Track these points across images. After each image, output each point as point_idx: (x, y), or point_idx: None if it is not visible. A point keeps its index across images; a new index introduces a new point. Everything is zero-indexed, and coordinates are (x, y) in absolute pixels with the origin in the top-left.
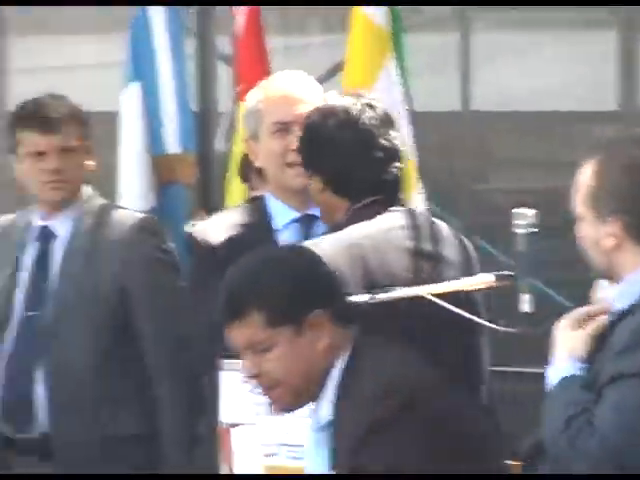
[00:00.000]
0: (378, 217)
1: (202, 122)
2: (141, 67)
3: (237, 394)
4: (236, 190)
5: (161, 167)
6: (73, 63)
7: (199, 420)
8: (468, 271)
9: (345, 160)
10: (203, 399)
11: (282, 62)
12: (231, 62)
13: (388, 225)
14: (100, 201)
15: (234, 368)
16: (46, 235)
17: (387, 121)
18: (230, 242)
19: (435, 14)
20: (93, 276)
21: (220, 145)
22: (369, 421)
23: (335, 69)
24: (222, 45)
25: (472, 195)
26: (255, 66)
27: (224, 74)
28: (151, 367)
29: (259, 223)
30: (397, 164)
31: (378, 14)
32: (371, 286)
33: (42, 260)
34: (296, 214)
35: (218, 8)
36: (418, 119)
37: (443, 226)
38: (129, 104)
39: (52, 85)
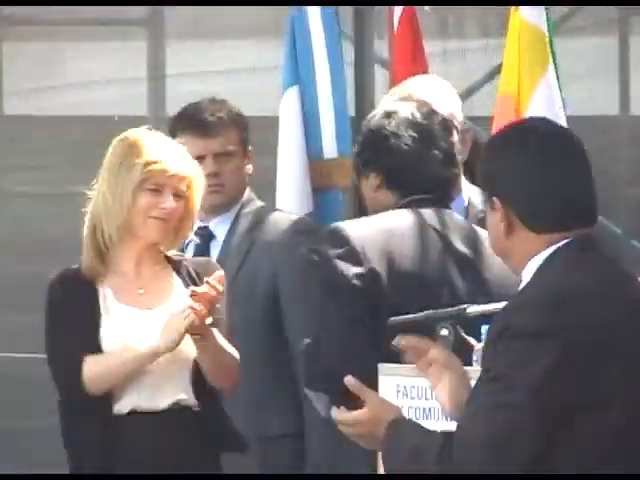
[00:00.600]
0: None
1: (359, 127)
2: (299, 71)
3: (394, 399)
4: None
5: (318, 172)
6: (231, 67)
7: None
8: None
9: (401, 156)
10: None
11: (440, 66)
12: (388, 66)
13: (419, 220)
14: (259, 204)
15: (392, 373)
16: (206, 235)
17: (446, 127)
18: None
19: (595, 18)
20: (249, 277)
21: None
22: None
23: (492, 73)
24: (379, 49)
25: (630, 200)
26: (412, 70)
27: (381, 78)
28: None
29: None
30: (452, 168)
31: (537, 18)
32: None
33: None
34: None
35: (375, 11)
36: (576, 123)
37: (481, 234)
38: (287, 108)
39: (213, 89)
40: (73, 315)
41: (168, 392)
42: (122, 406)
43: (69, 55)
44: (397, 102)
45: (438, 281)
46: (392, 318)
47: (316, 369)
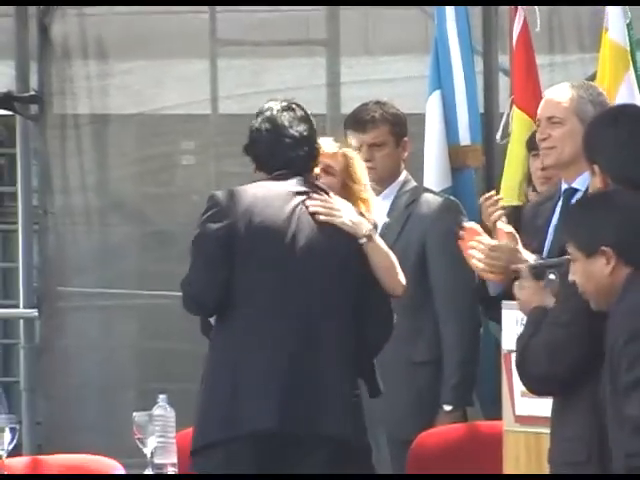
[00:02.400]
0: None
1: (486, 120)
2: (440, 79)
3: (514, 327)
4: (511, 174)
5: (455, 155)
6: (391, 77)
7: (475, 352)
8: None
9: (261, 145)
10: (478, 339)
11: (547, 75)
12: (509, 74)
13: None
14: (413, 183)
15: (512, 308)
16: None
17: (303, 118)
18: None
19: None
20: (404, 241)
21: (499, 138)
22: None
23: (588, 80)
24: (502, 61)
25: None
26: (526, 78)
27: (503, 84)
28: (440, 310)
29: None
30: (300, 149)
31: (618, 34)
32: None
33: None
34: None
35: (500, 30)
36: None
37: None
38: (432, 107)
39: (376, 93)
40: None
41: None
42: None
43: (268, 68)
44: (269, 103)
45: (284, 229)
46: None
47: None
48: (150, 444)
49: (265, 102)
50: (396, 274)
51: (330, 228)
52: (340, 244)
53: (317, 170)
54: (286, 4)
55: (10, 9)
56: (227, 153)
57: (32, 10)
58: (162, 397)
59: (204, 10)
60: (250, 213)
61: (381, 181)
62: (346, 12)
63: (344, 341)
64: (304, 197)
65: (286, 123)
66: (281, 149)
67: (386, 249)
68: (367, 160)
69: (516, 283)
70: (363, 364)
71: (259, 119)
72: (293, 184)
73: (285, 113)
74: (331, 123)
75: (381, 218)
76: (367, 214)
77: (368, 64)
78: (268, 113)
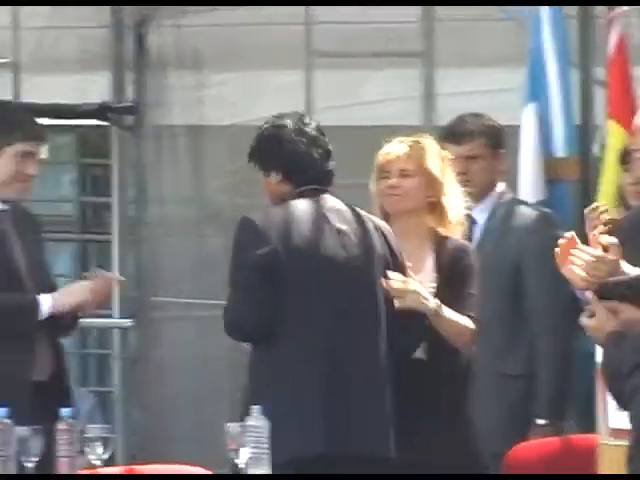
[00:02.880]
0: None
1: (582, 133)
2: (536, 90)
3: None
4: (607, 186)
5: (550, 167)
6: (486, 88)
7: (568, 372)
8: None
9: (295, 157)
10: (572, 353)
11: None
12: (605, 86)
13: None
14: (510, 195)
15: None
16: (469, 221)
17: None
18: None
19: None
20: (500, 253)
21: (596, 150)
22: None
23: None
24: (598, 73)
25: None
26: (622, 90)
27: (599, 96)
28: (535, 323)
29: None
30: (329, 163)
31: None
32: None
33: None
34: None
35: (597, 44)
36: None
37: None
38: (527, 119)
39: (470, 105)
40: None
41: None
42: None
43: (363, 80)
44: (280, 118)
45: (326, 255)
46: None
47: None
48: (243, 455)
49: (277, 114)
50: (466, 337)
51: (368, 255)
52: (377, 270)
53: None
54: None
55: (107, 20)
56: None
57: (128, 21)
58: (256, 408)
59: (299, 22)
60: (290, 237)
61: (477, 194)
62: (441, 24)
63: (381, 359)
64: (335, 216)
65: (315, 133)
66: (314, 161)
67: (454, 318)
68: (462, 173)
69: (584, 312)
70: None
71: (286, 128)
72: (330, 204)
73: (311, 124)
74: (426, 134)
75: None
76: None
77: (463, 76)
78: (291, 123)
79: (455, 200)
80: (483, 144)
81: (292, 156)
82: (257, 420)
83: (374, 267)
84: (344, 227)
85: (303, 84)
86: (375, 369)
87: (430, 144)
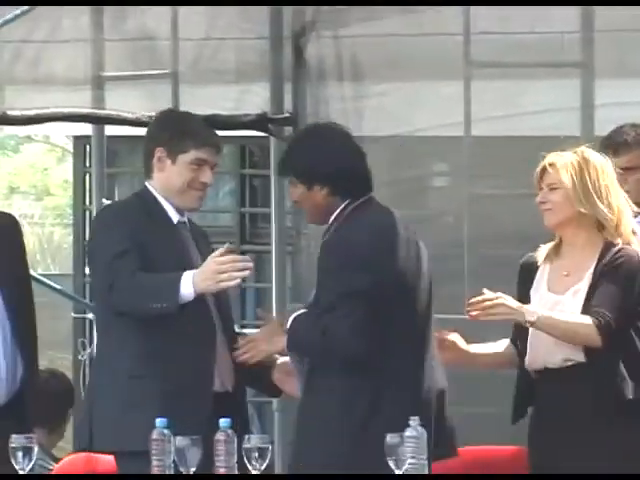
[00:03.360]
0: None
1: None
2: None
3: None
4: None
5: None
6: None
7: None
8: None
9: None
10: None
11: None
12: None
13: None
14: None
15: None
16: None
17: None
18: None
19: None
20: None
21: None
22: None
23: None
24: None
25: None
26: None
27: None
28: None
29: None
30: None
31: None
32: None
33: None
34: None
35: None
36: None
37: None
38: None
39: (634, 116)
40: None
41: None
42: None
43: (522, 90)
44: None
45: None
46: None
47: None
48: (402, 466)
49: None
50: (583, 336)
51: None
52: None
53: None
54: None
55: (265, 31)
56: (480, 175)
57: (287, 32)
58: (414, 419)
59: (458, 32)
60: (386, 259)
61: (636, 205)
62: (601, 34)
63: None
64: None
65: (354, 139)
66: (363, 168)
67: (560, 324)
68: (620, 185)
69: None
70: None
71: (327, 133)
72: (392, 213)
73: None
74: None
75: None
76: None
77: (623, 86)
78: (333, 127)
79: (624, 210)
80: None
81: (341, 167)
82: (415, 431)
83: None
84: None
85: (462, 95)
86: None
87: (583, 155)
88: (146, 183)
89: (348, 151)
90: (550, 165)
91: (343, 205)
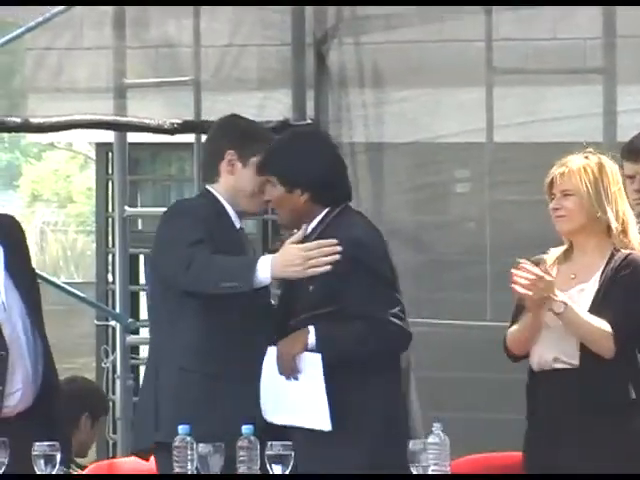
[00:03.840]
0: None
1: None
2: None
3: None
4: None
5: None
6: None
7: None
8: None
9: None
10: None
11: None
12: None
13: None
14: None
15: None
16: None
17: None
18: None
19: None
20: None
21: None
22: None
23: None
24: None
25: None
26: None
27: None
28: None
29: None
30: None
31: None
32: None
33: None
34: None
35: None
36: None
37: None
38: None
39: None
40: None
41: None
42: None
43: (544, 96)
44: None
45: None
46: None
47: None
48: (425, 472)
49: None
50: (601, 342)
51: None
52: None
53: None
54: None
55: (287, 38)
56: (502, 181)
57: (309, 39)
58: (437, 425)
59: (480, 39)
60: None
61: None
62: (623, 40)
63: None
64: None
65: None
66: (346, 178)
67: (583, 323)
68: (638, 191)
69: None
70: None
71: (313, 139)
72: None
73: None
74: (608, 152)
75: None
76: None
77: None
78: (319, 134)
79: (630, 216)
80: None
81: (326, 175)
82: (438, 437)
83: None
84: None
85: (484, 101)
86: None
87: (596, 161)
88: (209, 187)
89: (333, 160)
90: (564, 172)
91: (325, 212)
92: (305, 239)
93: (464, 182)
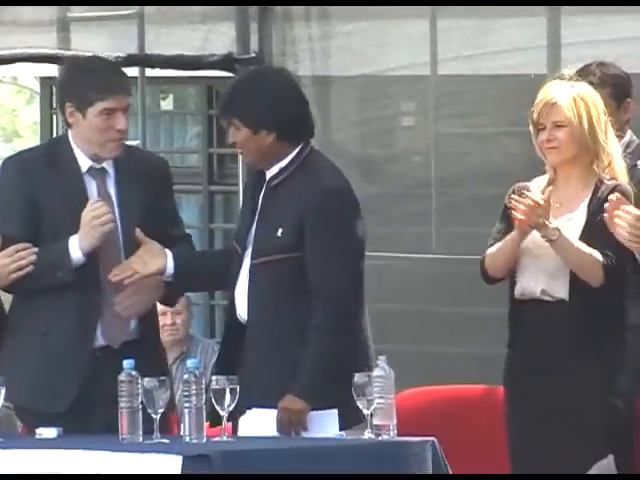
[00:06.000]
0: None
1: None
2: None
3: None
4: None
5: None
6: (619, 36)
7: None
8: None
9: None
10: None
11: None
12: None
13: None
14: (638, 142)
15: None
16: None
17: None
18: None
19: None
20: None
21: None
22: None
23: None
24: None
25: None
26: None
27: None
28: None
29: None
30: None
31: None
32: None
33: None
34: None
35: None
36: None
37: None
38: None
39: (603, 54)
40: None
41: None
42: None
43: (491, 28)
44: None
45: None
46: None
47: None
48: (369, 406)
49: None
50: (593, 271)
51: None
52: None
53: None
54: None
55: None
56: (448, 114)
57: None
58: (382, 358)
59: None
60: None
61: None
62: None
63: None
64: None
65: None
66: (309, 114)
67: (574, 250)
68: None
69: None
70: None
71: (274, 78)
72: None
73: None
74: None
75: None
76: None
77: (592, 24)
78: (280, 72)
79: (615, 147)
80: (607, 94)
81: (286, 106)
82: (383, 370)
83: None
84: None
85: (429, 34)
86: None
87: (583, 90)
88: (68, 131)
89: (296, 96)
90: (555, 102)
91: (297, 150)
92: (274, 178)
93: (410, 115)
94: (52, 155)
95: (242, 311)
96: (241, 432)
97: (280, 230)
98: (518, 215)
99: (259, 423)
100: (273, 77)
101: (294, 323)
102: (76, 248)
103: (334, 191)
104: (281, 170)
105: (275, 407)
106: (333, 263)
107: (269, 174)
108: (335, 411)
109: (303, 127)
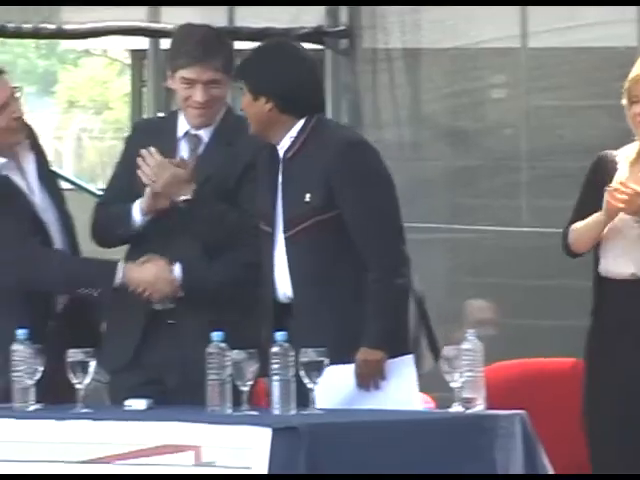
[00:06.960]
0: None
1: None
2: None
3: None
4: None
5: None
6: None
7: None
8: None
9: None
10: None
11: None
12: None
13: None
14: None
15: None
16: None
17: None
18: None
19: None
20: None
21: None
22: None
23: None
24: None
25: None
26: None
27: None
28: None
29: None
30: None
31: None
32: None
33: None
34: None
35: None
36: None
37: None
38: None
39: None
40: None
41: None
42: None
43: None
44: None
45: None
46: None
47: None
48: (458, 378)
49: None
50: None
51: None
52: None
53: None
54: None
55: None
56: (538, 87)
57: None
58: (471, 331)
59: None
60: None
61: None
62: None
63: None
64: None
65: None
66: (313, 89)
67: None
68: None
69: None
70: None
71: (288, 51)
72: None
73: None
74: None
75: None
76: None
77: None
78: (297, 48)
79: None
80: None
81: (289, 84)
82: (472, 344)
83: None
84: None
85: (519, 7)
86: None
87: None
88: None
89: (303, 71)
90: None
91: (302, 122)
92: (289, 150)
93: (501, 88)
94: (169, 120)
95: (285, 288)
96: (319, 391)
97: (308, 195)
98: (619, 204)
99: (336, 380)
100: (287, 50)
101: (344, 283)
102: (137, 210)
103: (354, 142)
104: (293, 142)
105: (347, 363)
106: (373, 211)
107: (281, 149)
108: (411, 356)
109: (304, 101)
